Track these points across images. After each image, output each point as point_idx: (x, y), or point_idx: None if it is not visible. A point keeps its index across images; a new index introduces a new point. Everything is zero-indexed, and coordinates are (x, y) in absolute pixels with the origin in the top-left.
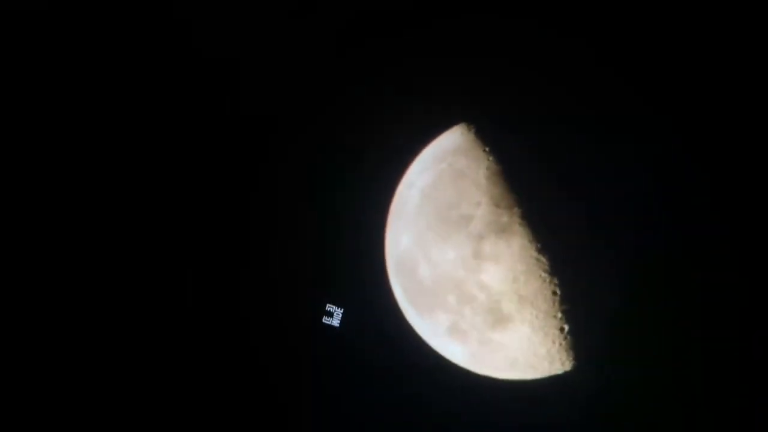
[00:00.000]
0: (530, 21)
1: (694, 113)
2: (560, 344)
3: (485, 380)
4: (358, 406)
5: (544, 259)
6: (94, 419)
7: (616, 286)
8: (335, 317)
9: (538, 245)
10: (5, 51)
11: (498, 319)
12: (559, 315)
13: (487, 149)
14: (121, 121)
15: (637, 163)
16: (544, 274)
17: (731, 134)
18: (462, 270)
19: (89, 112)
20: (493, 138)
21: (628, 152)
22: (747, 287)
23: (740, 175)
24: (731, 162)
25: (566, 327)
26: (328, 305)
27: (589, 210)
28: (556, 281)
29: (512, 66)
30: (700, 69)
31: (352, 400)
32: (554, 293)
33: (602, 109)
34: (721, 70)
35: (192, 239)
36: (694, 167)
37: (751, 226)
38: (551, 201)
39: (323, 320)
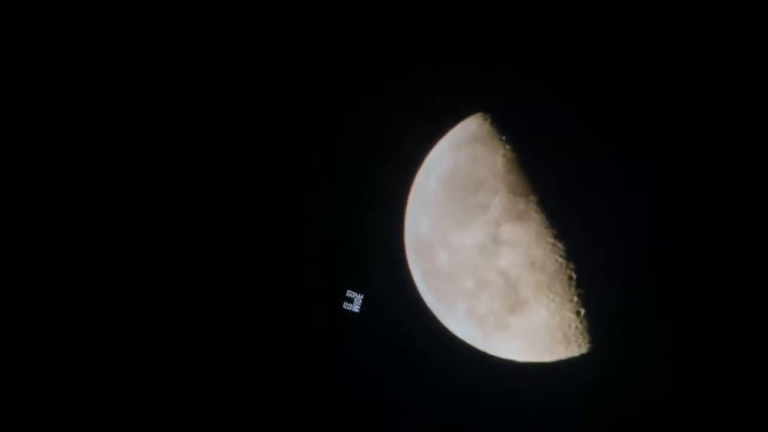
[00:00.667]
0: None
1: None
2: (576, 327)
3: (502, 363)
4: (377, 388)
5: (560, 245)
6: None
7: (632, 271)
8: (355, 303)
9: (554, 231)
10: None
11: (515, 303)
12: (575, 299)
13: (503, 138)
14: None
15: (647, 154)
16: (560, 259)
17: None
18: (479, 255)
19: (92, 111)
20: (510, 127)
21: (638, 142)
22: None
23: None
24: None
25: (582, 311)
26: (348, 291)
27: (604, 197)
28: (572, 266)
29: (528, 59)
30: (700, 72)
31: (372, 382)
32: (570, 278)
33: (615, 103)
34: (716, 72)
35: (212, 223)
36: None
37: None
38: (567, 188)
39: (344, 306)
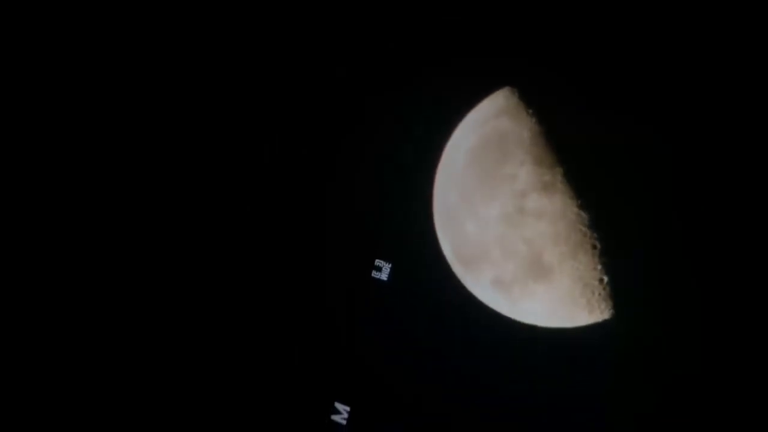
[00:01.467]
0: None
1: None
2: (599, 294)
3: (527, 328)
4: (404, 350)
5: (584, 215)
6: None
7: (653, 240)
8: (383, 271)
9: (579, 201)
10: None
11: (540, 271)
12: (599, 267)
13: (530, 111)
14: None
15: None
16: (584, 229)
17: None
18: (506, 225)
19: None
20: (537, 101)
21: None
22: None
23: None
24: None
25: (605, 278)
26: (376, 260)
27: (626, 171)
28: (595, 235)
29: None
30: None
31: (399, 345)
32: (594, 247)
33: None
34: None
35: (245, 198)
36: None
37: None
38: (592, 160)
39: (372, 274)
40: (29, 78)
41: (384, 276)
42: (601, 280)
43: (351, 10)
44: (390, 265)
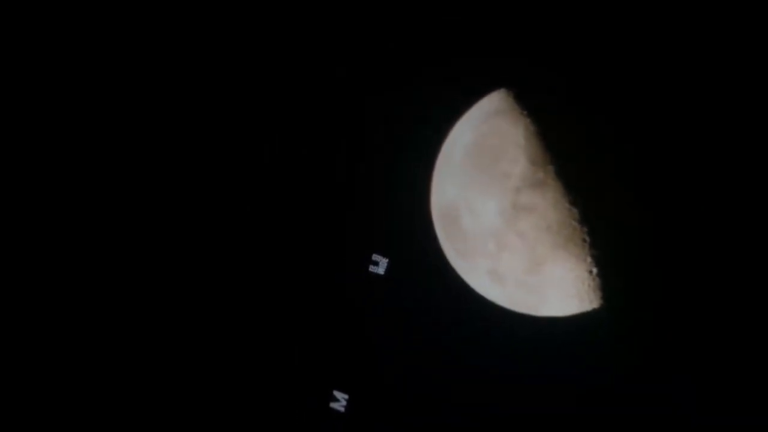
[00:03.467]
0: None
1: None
2: (589, 285)
3: (520, 317)
4: (402, 341)
5: (575, 210)
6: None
7: (641, 233)
8: (381, 266)
9: (570, 197)
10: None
11: (533, 263)
12: (589, 259)
13: (525, 112)
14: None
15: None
16: (575, 223)
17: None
18: (501, 219)
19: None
20: (532, 102)
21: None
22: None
23: None
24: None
25: (594, 270)
26: (374, 255)
27: (618, 166)
28: (585, 229)
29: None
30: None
31: (396, 337)
32: (584, 240)
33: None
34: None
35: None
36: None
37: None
38: (583, 159)
39: (369, 269)
40: (29, 78)
41: (381, 270)
42: (590, 272)
43: (351, 11)
44: (387, 260)
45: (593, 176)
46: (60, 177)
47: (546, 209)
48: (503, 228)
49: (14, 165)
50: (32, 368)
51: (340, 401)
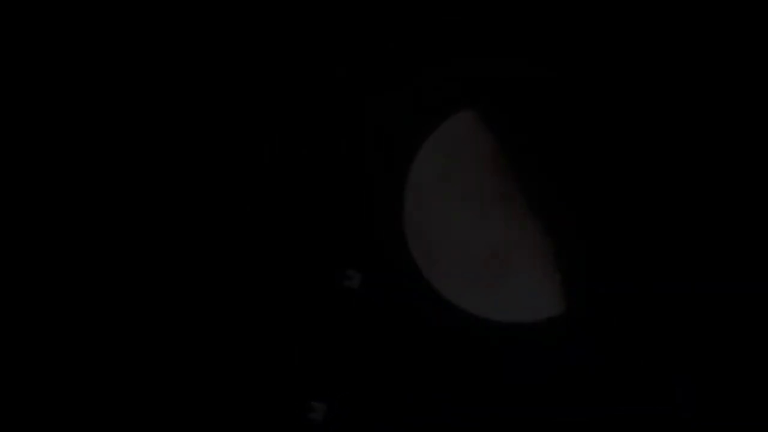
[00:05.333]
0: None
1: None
2: (555, 289)
3: (490, 323)
4: (376, 351)
5: (540, 222)
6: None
7: (606, 240)
8: (355, 280)
9: (537, 207)
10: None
11: (503, 270)
12: (553, 267)
13: (492, 133)
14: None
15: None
16: (541, 232)
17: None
18: (472, 229)
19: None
20: (497, 120)
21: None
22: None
23: None
24: None
25: (559, 277)
26: (348, 271)
27: (584, 179)
28: (551, 240)
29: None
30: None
31: (371, 346)
32: (554, 248)
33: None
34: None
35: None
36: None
37: None
38: (549, 172)
39: (344, 283)
40: (29, 78)
41: (355, 284)
42: (557, 277)
43: (351, 10)
44: (360, 275)
45: (560, 186)
46: (60, 177)
47: (514, 218)
48: (474, 238)
49: (14, 165)
50: (32, 368)
51: (317, 412)
